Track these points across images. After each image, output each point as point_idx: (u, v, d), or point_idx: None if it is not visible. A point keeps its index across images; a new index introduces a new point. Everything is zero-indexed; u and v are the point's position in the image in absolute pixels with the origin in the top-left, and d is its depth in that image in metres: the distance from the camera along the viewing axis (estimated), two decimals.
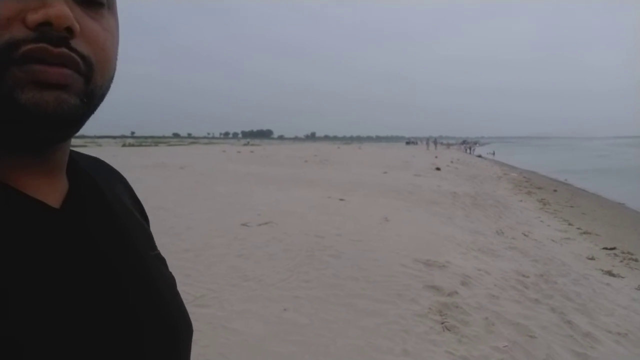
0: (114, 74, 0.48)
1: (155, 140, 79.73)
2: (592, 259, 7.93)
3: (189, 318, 0.59)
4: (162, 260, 0.61)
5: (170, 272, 0.62)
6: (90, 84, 0.44)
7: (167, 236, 5.54)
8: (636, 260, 8.22)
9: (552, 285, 5.52)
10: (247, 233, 6.19)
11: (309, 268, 4.78)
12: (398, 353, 3.14)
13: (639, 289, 6.59)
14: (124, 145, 53.96)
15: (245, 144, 67.02)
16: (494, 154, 56.09)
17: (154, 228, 0.66)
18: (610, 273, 7.09)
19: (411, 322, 3.61)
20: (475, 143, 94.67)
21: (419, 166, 23.42)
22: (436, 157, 34.17)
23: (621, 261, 8.08)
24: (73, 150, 0.54)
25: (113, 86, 0.49)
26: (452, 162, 29.81)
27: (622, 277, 7.01)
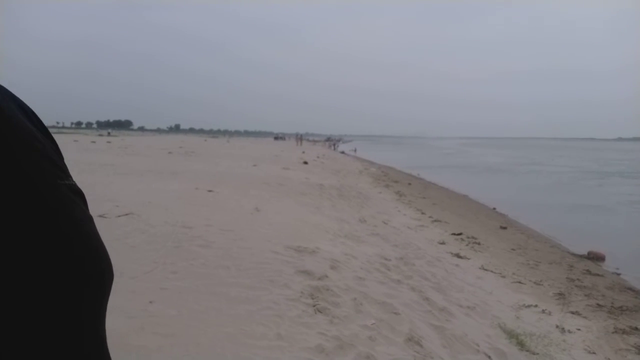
0: None
1: None
2: (443, 243, 8.74)
3: (108, 258, 0.54)
4: (77, 193, 0.54)
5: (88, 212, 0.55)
6: None
7: None
8: (479, 243, 9.26)
9: (410, 267, 5.94)
10: (105, 224, 5.65)
11: (176, 259, 4.51)
12: (272, 337, 3.10)
13: (481, 268, 7.42)
14: None
15: (106, 135, 61.25)
16: (355, 150, 59.20)
17: None
18: (458, 255, 7.88)
19: (284, 307, 3.59)
20: (339, 140, 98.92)
21: (288, 160, 23.74)
22: (303, 152, 34.98)
23: (467, 245, 9.04)
24: None
25: None
26: (318, 157, 30.77)
27: (468, 259, 7.84)
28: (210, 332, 3.07)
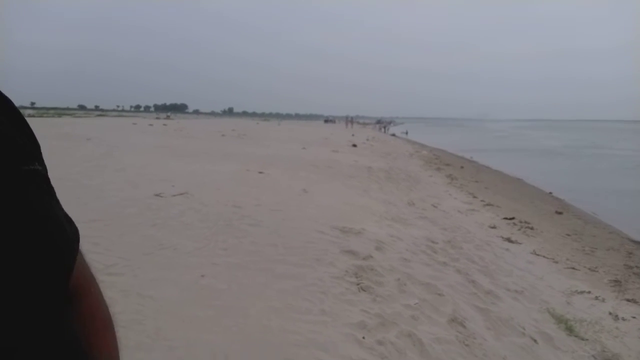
0: None
1: (59, 112, 73.52)
2: (494, 227, 8.58)
3: (69, 234, 0.56)
4: (42, 178, 0.56)
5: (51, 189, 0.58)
6: None
7: (71, 206, 5.18)
8: (532, 228, 9.01)
9: (458, 250, 5.90)
10: (161, 203, 5.97)
11: (227, 237, 4.72)
12: (316, 313, 3.21)
13: (533, 253, 7.25)
14: None
15: (163, 118, 62.98)
16: (407, 133, 58.32)
17: None
18: (509, 240, 7.72)
19: (329, 284, 3.70)
20: (389, 122, 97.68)
21: (337, 143, 23.80)
22: (353, 134, 34.88)
23: (519, 229, 8.82)
24: None
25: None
26: (367, 139, 30.60)
27: (520, 243, 7.67)
28: (258, 305, 3.22)
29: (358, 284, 3.82)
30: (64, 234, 0.55)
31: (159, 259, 3.93)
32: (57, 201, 0.58)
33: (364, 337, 2.97)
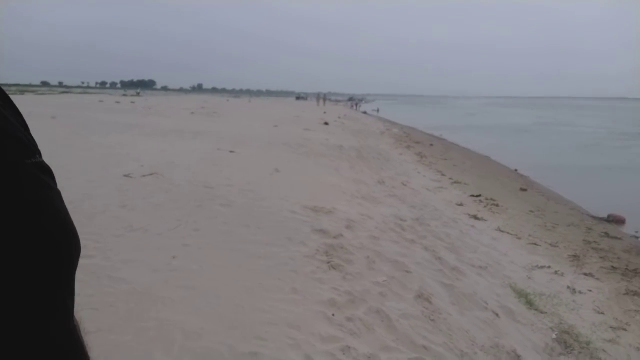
0: None
1: (21, 89, 70.65)
2: (461, 205, 8.81)
3: (75, 233, 0.56)
4: (45, 171, 0.55)
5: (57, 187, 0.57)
6: None
7: None
8: (497, 205, 9.30)
9: (426, 227, 6.07)
10: (131, 184, 5.91)
11: (199, 217, 4.73)
12: (287, 292, 3.29)
13: (498, 229, 7.51)
14: None
15: (132, 95, 60.84)
16: (378, 111, 58.55)
17: None
18: (475, 217, 7.96)
19: (300, 263, 3.78)
20: (361, 100, 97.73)
21: (308, 121, 23.74)
22: (325, 112, 34.83)
23: (485, 207, 9.09)
24: None
25: None
26: (339, 117, 30.63)
27: (485, 220, 7.92)
28: (230, 285, 3.28)
29: (329, 263, 3.91)
30: (70, 229, 0.55)
31: (130, 241, 3.93)
32: (59, 192, 0.57)
33: (333, 315, 3.07)
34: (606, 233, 8.20)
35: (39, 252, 0.49)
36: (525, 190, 11.76)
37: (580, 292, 5.23)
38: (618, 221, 9.21)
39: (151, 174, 6.50)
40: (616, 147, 23.51)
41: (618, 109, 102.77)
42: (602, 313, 4.81)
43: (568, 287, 5.31)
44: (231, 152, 9.67)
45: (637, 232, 8.61)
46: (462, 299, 4.04)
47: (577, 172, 15.85)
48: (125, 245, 3.81)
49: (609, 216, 9.40)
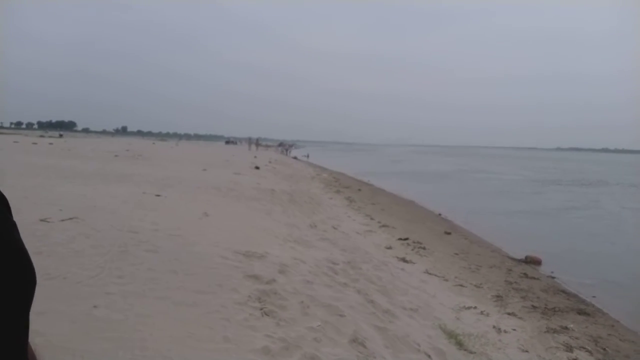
0: None
1: None
2: (390, 248, 9.00)
3: (31, 263, 0.60)
4: (2, 202, 0.59)
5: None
6: None
7: None
8: (424, 248, 9.58)
9: (357, 270, 6.11)
10: (48, 229, 5.50)
11: (123, 264, 4.46)
12: (219, 340, 3.15)
13: (426, 272, 7.70)
14: None
15: (53, 137, 57.08)
16: (308, 156, 59.39)
17: None
18: (404, 260, 8.14)
19: (232, 311, 3.64)
20: (291, 145, 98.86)
21: (239, 165, 23.58)
22: (255, 156, 34.82)
23: (412, 249, 9.34)
24: None
25: None
26: (270, 162, 30.71)
27: (414, 263, 8.12)
28: (157, 335, 3.08)
29: (262, 309, 3.80)
30: (26, 260, 0.59)
31: (46, 290, 3.60)
32: (14, 224, 0.61)
33: None
34: (525, 274, 8.66)
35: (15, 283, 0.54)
36: (449, 233, 12.26)
37: (505, 331, 5.43)
38: (535, 262, 9.79)
39: (71, 218, 6.09)
40: (528, 193, 25.30)
41: (528, 158, 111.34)
42: (527, 351, 5.00)
43: (494, 327, 5.50)
44: (157, 195, 9.33)
45: (552, 272, 9.17)
46: (395, 341, 4.05)
47: (496, 215, 16.81)
48: (41, 295, 3.44)
49: (526, 257, 9.98)
